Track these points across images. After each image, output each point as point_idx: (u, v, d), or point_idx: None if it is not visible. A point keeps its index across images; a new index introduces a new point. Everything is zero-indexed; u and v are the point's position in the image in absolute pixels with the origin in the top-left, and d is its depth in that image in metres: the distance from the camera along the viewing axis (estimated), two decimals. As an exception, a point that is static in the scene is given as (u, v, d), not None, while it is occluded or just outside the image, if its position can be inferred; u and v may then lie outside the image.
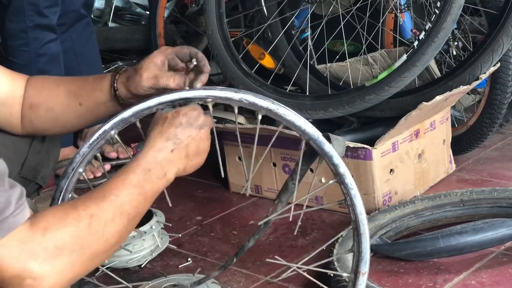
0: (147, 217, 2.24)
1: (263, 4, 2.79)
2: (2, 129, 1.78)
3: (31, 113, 1.77)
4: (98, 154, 1.67)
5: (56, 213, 1.30)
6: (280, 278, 1.92)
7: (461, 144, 2.76)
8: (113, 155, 3.12)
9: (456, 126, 2.79)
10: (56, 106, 1.77)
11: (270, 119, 2.58)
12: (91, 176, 2.96)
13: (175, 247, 2.33)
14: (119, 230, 1.35)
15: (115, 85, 1.70)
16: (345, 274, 1.85)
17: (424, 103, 2.23)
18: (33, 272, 1.23)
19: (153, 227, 2.22)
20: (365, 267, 1.61)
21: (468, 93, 2.75)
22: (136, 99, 1.69)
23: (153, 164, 1.44)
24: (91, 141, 1.58)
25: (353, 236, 1.60)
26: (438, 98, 2.28)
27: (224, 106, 2.86)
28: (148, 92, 1.66)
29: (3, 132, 1.84)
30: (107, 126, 1.57)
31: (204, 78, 1.62)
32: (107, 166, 3.04)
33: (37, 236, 1.25)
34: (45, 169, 1.93)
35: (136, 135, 3.22)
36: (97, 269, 2.19)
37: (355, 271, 1.61)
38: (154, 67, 1.66)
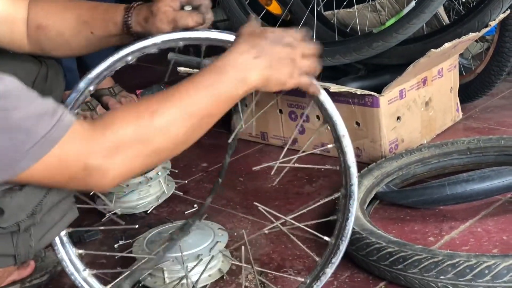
0: (153, 164, 2.24)
1: (270, -51, 2.75)
2: (7, 49, 1.76)
3: (39, 34, 1.75)
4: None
5: (118, 111, 1.33)
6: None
7: (468, 92, 2.74)
8: (118, 106, 3.09)
9: (464, 74, 2.77)
10: (67, 31, 1.76)
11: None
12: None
13: (181, 193, 2.33)
14: (186, 129, 1.34)
15: (130, 22, 1.71)
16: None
17: (432, 50, 2.21)
18: (97, 166, 1.27)
19: (159, 173, 2.22)
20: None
21: (476, 41, 2.73)
22: (139, 33, 1.71)
23: (232, 65, 1.38)
24: (108, 63, 1.56)
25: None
26: (446, 45, 2.25)
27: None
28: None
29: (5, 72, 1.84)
30: (125, 51, 1.56)
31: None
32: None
33: (98, 132, 1.28)
34: None
35: (139, 83, 3.23)
36: (103, 215, 2.20)
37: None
38: (172, 11, 1.65)
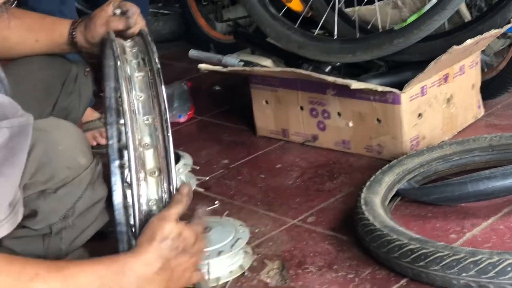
0: (174, 160, 2.24)
1: None
2: None
3: None
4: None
5: (7, 259, 1.20)
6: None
7: (490, 89, 2.73)
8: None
9: (486, 70, 2.76)
10: (13, 37, 1.81)
11: (296, 61, 2.59)
12: (104, 142, 2.70)
13: (202, 190, 2.34)
14: None
15: (74, 32, 1.81)
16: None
17: (454, 46, 2.21)
18: None
19: (180, 170, 2.23)
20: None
21: (498, 37, 2.71)
22: (92, 47, 1.82)
23: (130, 279, 1.29)
24: None
25: None
26: (468, 41, 2.24)
27: (251, 49, 2.85)
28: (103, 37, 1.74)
29: (34, 73, 1.86)
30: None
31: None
32: None
33: None
34: (76, 111, 1.94)
35: (168, 75, 3.23)
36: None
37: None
38: (105, 15, 1.76)
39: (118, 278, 1.26)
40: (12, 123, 1.25)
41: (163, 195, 1.39)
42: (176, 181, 1.40)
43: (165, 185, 1.39)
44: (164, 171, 1.39)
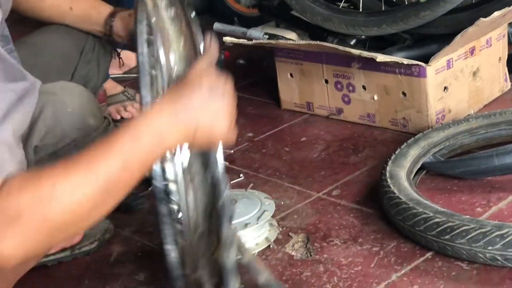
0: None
1: None
2: None
3: None
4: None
5: (24, 175, 1.17)
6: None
7: (517, 62, 2.70)
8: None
9: (513, 43, 2.73)
10: None
11: (321, 34, 2.57)
12: (130, 116, 2.77)
13: (227, 163, 2.33)
14: (92, 201, 1.16)
15: (114, 17, 1.83)
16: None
17: (481, 19, 2.18)
18: None
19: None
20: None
21: (526, 10, 2.68)
22: (124, 36, 1.87)
23: (147, 129, 1.21)
24: None
25: None
26: (496, 14, 2.22)
27: (275, 22, 2.84)
28: None
29: (53, 42, 1.87)
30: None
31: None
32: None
33: (2, 196, 1.13)
34: (95, 80, 1.95)
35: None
36: (149, 184, 2.23)
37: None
38: None
39: (137, 144, 1.19)
40: (18, 86, 1.25)
41: None
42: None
43: None
44: None
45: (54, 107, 1.51)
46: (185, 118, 1.23)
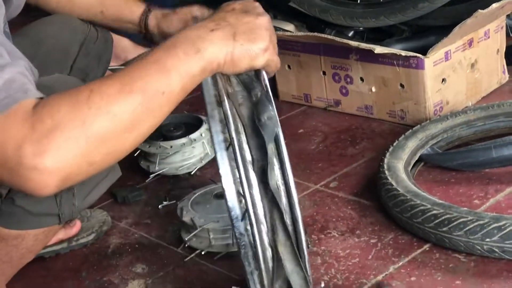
0: (196, 125, 2.25)
1: None
2: None
3: None
4: None
5: (59, 93, 1.15)
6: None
7: (515, 54, 2.70)
8: None
9: (511, 35, 2.72)
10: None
11: (319, 26, 2.57)
12: None
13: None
14: (131, 107, 1.13)
15: (148, 14, 1.83)
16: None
17: (479, 10, 2.18)
18: (27, 154, 1.08)
19: (203, 134, 2.23)
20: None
21: (524, 1, 2.67)
22: (158, 34, 1.92)
23: (183, 40, 1.19)
24: None
25: None
26: (494, 5, 2.21)
27: (273, 14, 2.83)
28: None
29: (53, 34, 1.87)
30: None
31: None
32: None
33: (37, 114, 1.10)
34: (94, 73, 1.94)
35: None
36: (147, 176, 2.23)
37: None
38: (189, 14, 1.83)
39: (172, 51, 1.17)
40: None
41: None
42: None
43: None
44: None
45: None
46: (222, 29, 1.21)
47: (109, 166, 1.18)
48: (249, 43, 1.22)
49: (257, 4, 1.30)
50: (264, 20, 1.26)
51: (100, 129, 1.11)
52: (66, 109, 1.10)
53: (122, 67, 3.08)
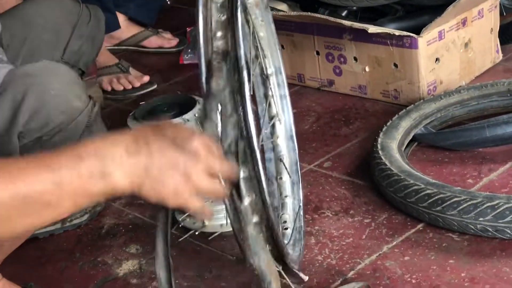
0: (190, 105, 2.24)
1: None
2: None
3: None
4: None
5: None
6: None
7: (508, 33, 2.69)
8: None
9: (504, 14, 2.72)
10: None
11: (312, 5, 2.56)
12: (121, 88, 2.77)
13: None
14: (4, 207, 1.01)
15: None
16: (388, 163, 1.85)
17: (473, -11, 2.18)
18: None
19: (196, 114, 2.22)
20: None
21: (517, -20, 2.67)
22: None
23: (94, 154, 1.05)
24: None
25: None
26: (488, -16, 2.21)
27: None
28: None
29: (44, 15, 1.85)
30: None
31: None
32: (146, 78, 2.82)
33: None
34: (88, 55, 1.92)
35: (176, 23, 3.20)
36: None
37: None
38: None
39: (75, 164, 1.04)
40: None
41: None
42: None
43: None
44: None
45: (37, 90, 1.46)
46: (136, 163, 1.06)
47: None
48: (158, 184, 1.08)
49: (196, 135, 1.12)
50: (185, 161, 1.08)
51: None
52: None
53: (116, 47, 3.08)
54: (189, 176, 1.08)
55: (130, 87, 2.78)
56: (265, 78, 1.52)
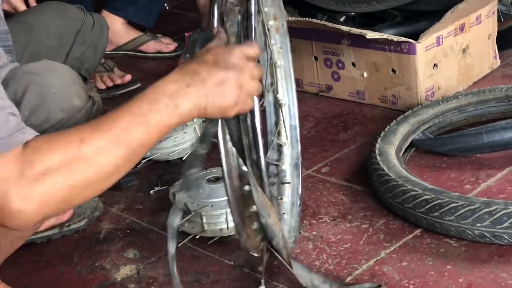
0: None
1: None
2: None
3: None
4: None
5: (49, 137, 1.20)
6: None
7: (506, 39, 2.69)
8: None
9: (502, 20, 2.72)
10: None
11: (310, 11, 2.56)
12: (103, 87, 2.82)
13: (216, 140, 2.33)
14: (115, 160, 1.20)
15: None
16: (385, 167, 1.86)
17: (471, -4, 2.18)
18: (13, 196, 1.13)
19: (195, 120, 2.22)
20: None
21: (515, -14, 2.68)
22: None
23: (163, 94, 1.24)
24: None
25: None
26: (485, -10, 2.22)
27: None
28: None
29: (47, 21, 1.85)
30: None
31: None
32: (128, 77, 2.87)
33: (27, 158, 1.15)
34: (91, 61, 1.93)
35: (174, 29, 3.20)
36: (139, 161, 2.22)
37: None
38: None
39: (154, 105, 1.23)
40: None
41: None
42: None
43: None
44: None
45: (38, 88, 1.49)
46: (195, 85, 1.26)
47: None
48: (219, 100, 1.29)
49: (228, 52, 1.33)
50: (233, 74, 1.31)
51: (85, 179, 1.18)
52: (57, 158, 1.15)
53: (114, 52, 3.09)
54: (241, 86, 1.30)
55: (111, 84, 2.83)
56: (278, 107, 1.61)
